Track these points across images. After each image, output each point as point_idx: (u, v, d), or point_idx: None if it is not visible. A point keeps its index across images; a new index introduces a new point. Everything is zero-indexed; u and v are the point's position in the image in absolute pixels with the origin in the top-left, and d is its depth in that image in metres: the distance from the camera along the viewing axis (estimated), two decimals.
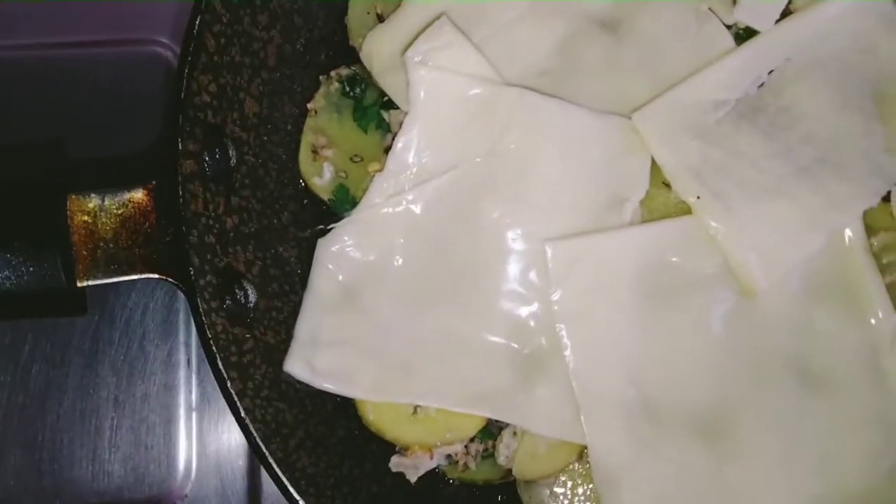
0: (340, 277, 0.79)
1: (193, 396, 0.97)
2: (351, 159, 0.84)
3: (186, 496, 0.96)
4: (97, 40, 1.01)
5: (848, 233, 0.77)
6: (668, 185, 0.79)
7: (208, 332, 0.68)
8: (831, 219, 0.76)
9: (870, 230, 0.78)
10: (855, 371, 0.76)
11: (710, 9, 0.81)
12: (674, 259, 0.77)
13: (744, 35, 0.81)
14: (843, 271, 0.77)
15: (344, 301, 0.79)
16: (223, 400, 0.71)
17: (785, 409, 0.76)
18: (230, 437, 0.97)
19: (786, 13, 0.80)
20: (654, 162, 0.78)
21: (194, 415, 0.97)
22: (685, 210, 0.78)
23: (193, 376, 0.98)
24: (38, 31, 1.01)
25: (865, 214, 0.77)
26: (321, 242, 0.80)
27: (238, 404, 0.69)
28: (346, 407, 0.80)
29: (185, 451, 0.97)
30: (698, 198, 0.76)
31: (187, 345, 0.98)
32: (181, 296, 0.92)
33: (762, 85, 0.79)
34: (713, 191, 0.76)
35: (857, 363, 0.77)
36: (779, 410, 0.76)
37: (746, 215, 0.76)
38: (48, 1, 1.00)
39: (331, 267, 0.79)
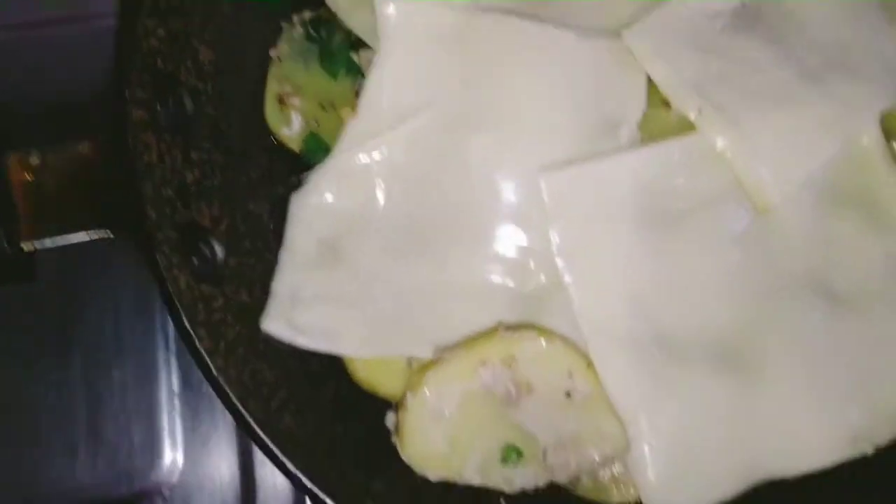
0: (320, 231, 0.73)
1: (175, 381, 0.92)
2: (321, 107, 0.79)
3: (174, 485, 0.90)
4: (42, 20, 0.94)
5: (865, 138, 0.72)
6: (667, 105, 0.73)
7: (170, 287, 0.62)
8: (846, 123, 0.71)
9: (888, 134, 0.73)
10: (882, 284, 0.71)
11: None
12: (678, 180, 0.71)
13: None
14: (862, 179, 0.72)
15: (325, 255, 0.73)
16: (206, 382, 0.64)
17: (810, 331, 0.70)
18: (216, 421, 0.91)
19: None
20: (650, 84, 0.72)
21: (176, 400, 0.92)
22: (687, 130, 0.71)
23: (173, 359, 0.92)
24: None
25: (883, 117, 0.72)
26: (296, 196, 0.74)
27: (208, 362, 0.62)
28: (332, 366, 0.74)
29: (170, 437, 0.91)
30: (700, 112, 0.70)
31: (164, 328, 0.92)
32: None
33: None
34: (715, 103, 0.70)
35: (883, 275, 0.71)
36: (804, 333, 0.70)
37: (754, 126, 0.70)
38: None
39: (308, 221, 0.74)
